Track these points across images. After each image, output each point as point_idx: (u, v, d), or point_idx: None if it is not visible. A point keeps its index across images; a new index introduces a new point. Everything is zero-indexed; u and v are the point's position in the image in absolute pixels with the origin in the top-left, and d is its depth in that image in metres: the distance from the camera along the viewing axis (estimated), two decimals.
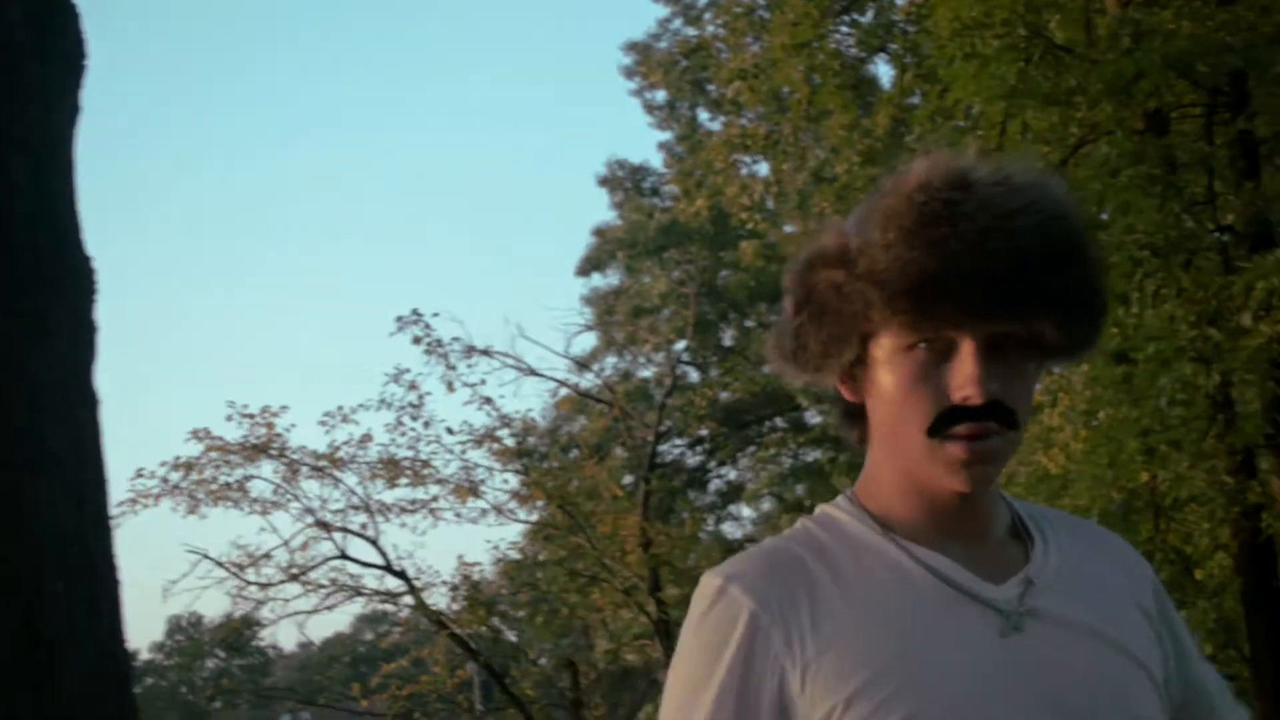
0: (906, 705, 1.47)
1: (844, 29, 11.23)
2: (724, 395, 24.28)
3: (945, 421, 1.49)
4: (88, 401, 3.87)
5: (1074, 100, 8.11)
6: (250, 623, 14.95)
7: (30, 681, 3.46)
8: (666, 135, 25.64)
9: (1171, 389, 7.38)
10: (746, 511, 27.10)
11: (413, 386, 12.91)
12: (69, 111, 4.00)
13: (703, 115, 23.70)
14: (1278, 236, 8.08)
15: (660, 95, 24.50)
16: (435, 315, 13.24)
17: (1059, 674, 1.52)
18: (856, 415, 1.64)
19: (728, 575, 1.56)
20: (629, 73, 23.89)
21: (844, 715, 1.47)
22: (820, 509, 1.67)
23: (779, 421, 26.03)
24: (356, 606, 14.11)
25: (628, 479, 17.40)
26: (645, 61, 21.91)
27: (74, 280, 3.87)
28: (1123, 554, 1.71)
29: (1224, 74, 7.84)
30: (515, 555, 14.28)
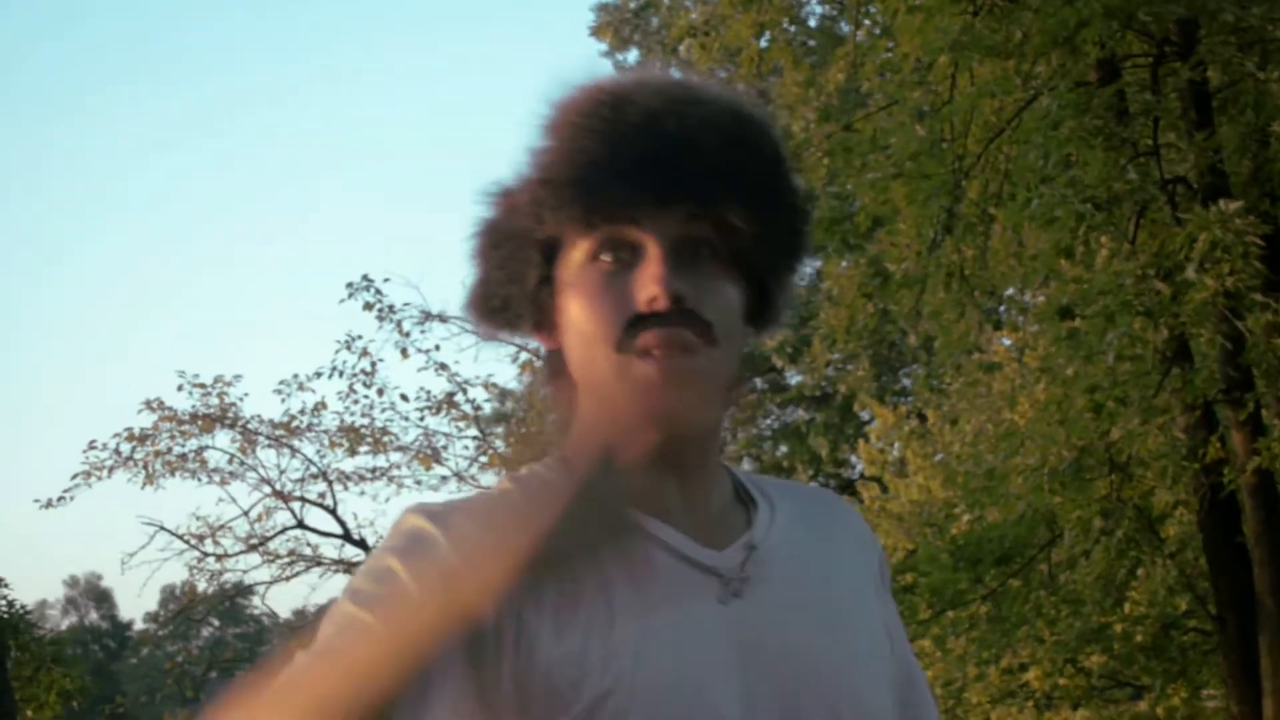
0: (605, 681, 1.33)
1: None
2: None
3: (632, 330, 1.36)
4: None
5: (1023, 51, 7.95)
6: (243, 591, 14.87)
7: None
8: None
9: (1119, 344, 7.27)
10: None
11: (364, 353, 12.76)
12: None
13: (675, 76, 23.48)
14: (1232, 187, 7.96)
15: (632, 56, 24.33)
16: (386, 280, 13.01)
17: (779, 645, 1.41)
18: (563, 374, 1.48)
19: (432, 515, 1.39)
20: (595, 32, 23.69)
21: (545, 683, 1.33)
22: (524, 469, 1.51)
23: (757, 382, 25.98)
24: (328, 577, 13.97)
25: None
26: (605, 21, 21.71)
27: None
28: (855, 527, 1.61)
29: (1173, 23, 7.68)
30: None
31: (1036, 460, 8.22)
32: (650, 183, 1.35)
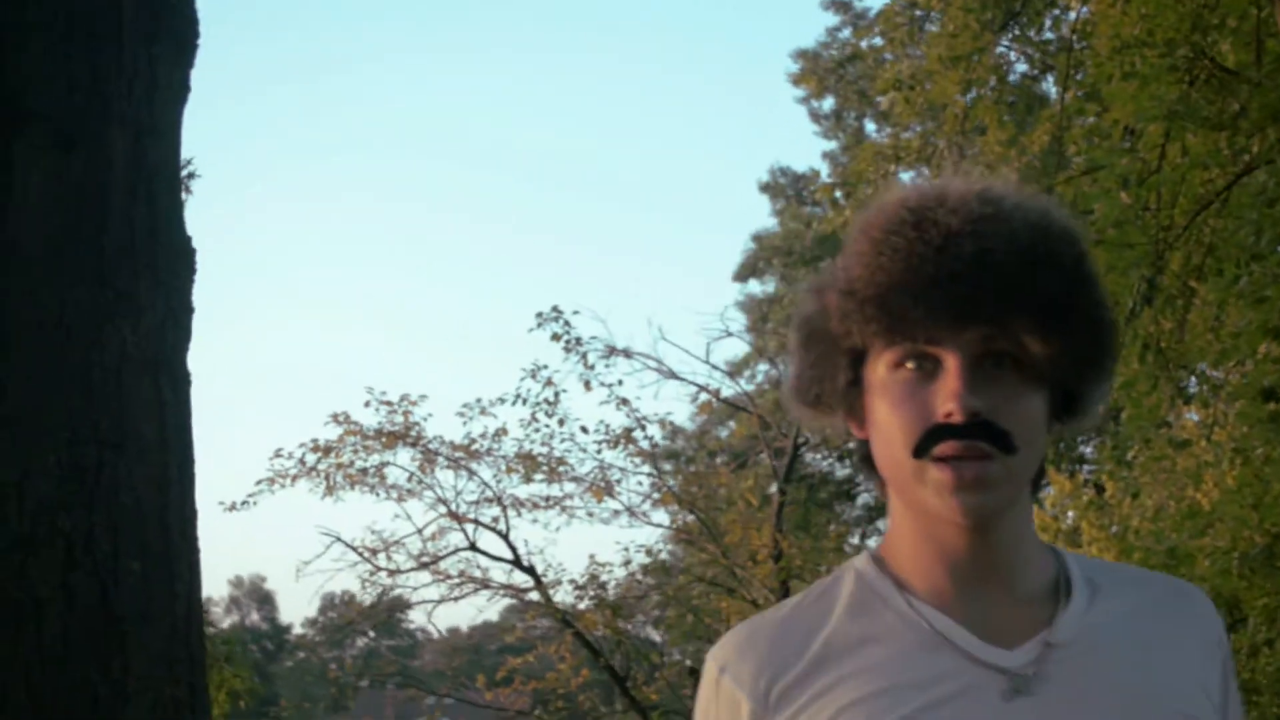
0: None
1: (1006, 43, 10.95)
2: None
3: (929, 440, 1.43)
4: (177, 381, 3.85)
5: (1238, 124, 7.78)
6: (400, 605, 15.10)
7: (101, 660, 3.44)
8: (832, 144, 25.49)
9: None
10: None
11: (549, 383, 12.90)
12: (176, 90, 3.99)
13: (869, 126, 23.48)
14: None
15: (828, 104, 24.32)
16: (575, 313, 13.19)
17: None
18: (871, 458, 1.56)
19: (721, 664, 1.53)
20: (797, 79, 23.74)
21: None
22: (841, 567, 1.60)
23: None
24: (495, 599, 14.13)
25: (773, 488, 17.28)
26: (807, 69, 21.71)
27: (170, 259, 3.86)
28: (1204, 624, 1.58)
29: None
30: (644, 558, 14.19)
31: (1226, 543, 8.00)
32: (947, 305, 1.40)
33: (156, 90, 3.90)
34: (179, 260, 3.90)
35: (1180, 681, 1.50)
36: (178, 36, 3.99)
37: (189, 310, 3.95)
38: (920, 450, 1.43)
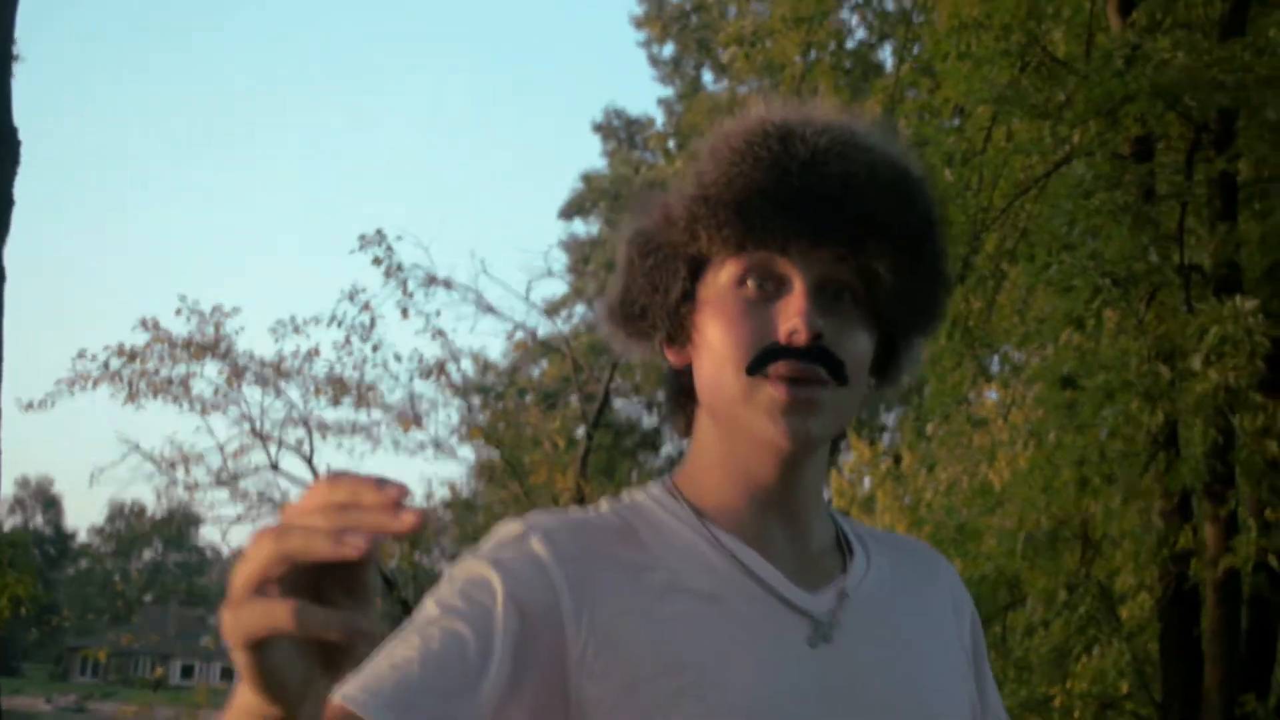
0: (703, 697, 1.34)
1: (848, 9, 11.09)
2: None
3: (766, 358, 1.39)
4: None
5: (1063, 115, 7.99)
6: (193, 520, 14.84)
7: None
8: (668, 91, 25.56)
9: (1114, 421, 7.30)
10: None
11: (366, 307, 12.74)
12: None
13: (707, 76, 23.58)
14: (1245, 282, 8.00)
15: (668, 50, 24.35)
16: (399, 239, 13.01)
17: (864, 692, 1.42)
18: (686, 393, 1.52)
19: (531, 524, 1.41)
20: (639, 23, 23.72)
21: (626, 699, 1.33)
22: (626, 495, 1.54)
23: None
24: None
25: (580, 431, 17.36)
26: (652, 13, 21.70)
27: None
28: (950, 586, 1.62)
29: (1213, 111, 7.71)
30: (445, 493, 14.19)
31: (1014, 524, 8.25)
32: (808, 217, 1.38)
33: None
34: (3, 150, 3.79)
35: (943, 637, 1.56)
36: None
37: (9, 203, 3.84)
38: (755, 366, 1.39)
